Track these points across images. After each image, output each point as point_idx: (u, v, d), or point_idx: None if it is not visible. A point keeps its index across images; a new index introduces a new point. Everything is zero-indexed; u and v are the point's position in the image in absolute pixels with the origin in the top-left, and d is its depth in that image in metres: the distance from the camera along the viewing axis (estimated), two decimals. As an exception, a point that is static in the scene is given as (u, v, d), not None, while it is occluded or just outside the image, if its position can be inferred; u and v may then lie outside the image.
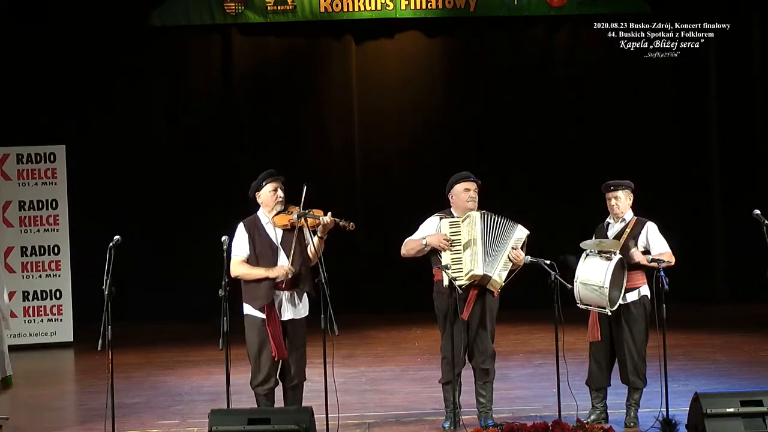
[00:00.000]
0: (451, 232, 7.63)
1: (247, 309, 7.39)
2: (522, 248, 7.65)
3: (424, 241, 7.66)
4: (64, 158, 12.43)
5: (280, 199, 7.37)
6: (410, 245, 7.75)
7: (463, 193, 7.72)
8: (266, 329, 7.26)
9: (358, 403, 8.73)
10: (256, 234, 7.36)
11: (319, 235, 7.32)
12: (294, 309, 7.38)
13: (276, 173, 7.44)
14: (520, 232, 7.66)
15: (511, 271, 7.62)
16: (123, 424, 8.05)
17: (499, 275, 7.55)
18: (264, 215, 7.42)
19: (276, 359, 7.28)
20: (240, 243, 7.38)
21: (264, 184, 7.40)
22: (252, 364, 7.39)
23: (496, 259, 7.55)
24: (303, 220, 7.27)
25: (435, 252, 7.67)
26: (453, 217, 7.72)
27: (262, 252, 7.34)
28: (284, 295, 7.35)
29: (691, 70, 14.19)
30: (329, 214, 7.31)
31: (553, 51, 14.40)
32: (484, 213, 7.65)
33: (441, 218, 7.74)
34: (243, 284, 7.39)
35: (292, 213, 7.34)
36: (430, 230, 7.73)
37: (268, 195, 7.38)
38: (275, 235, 7.38)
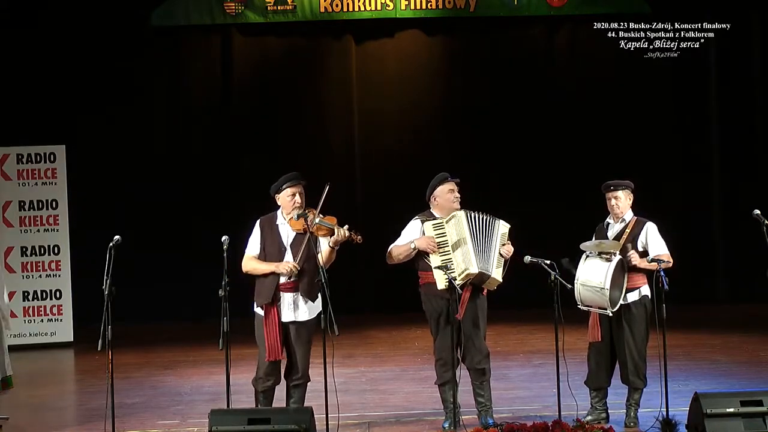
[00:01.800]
0: (436, 234, 7.61)
1: (256, 306, 7.47)
2: (508, 241, 7.67)
3: (411, 245, 7.64)
4: (64, 158, 12.43)
5: (298, 204, 7.41)
6: (396, 251, 7.72)
7: (449, 194, 7.72)
8: (263, 328, 7.30)
9: (358, 403, 8.73)
10: (269, 232, 7.44)
11: (330, 245, 7.35)
12: (295, 312, 7.40)
13: (298, 177, 7.47)
14: (504, 227, 7.69)
15: (504, 267, 7.64)
16: (123, 424, 8.05)
17: (496, 273, 7.56)
18: (281, 215, 7.48)
19: (266, 360, 7.30)
20: (253, 240, 7.48)
21: (284, 187, 7.43)
22: (258, 360, 7.44)
23: (490, 258, 7.55)
24: (315, 228, 7.28)
25: (422, 255, 7.66)
26: (435, 218, 7.70)
27: (270, 251, 7.41)
28: (286, 296, 7.36)
29: (691, 70, 14.19)
30: (345, 227, 7.33)
31: (553, 51, 14.40)
32: (467, 212, 7.65)
33: (423, 221, 7.71)
34: (255, 281, 7.46)
35: (308, 216, 7.32)
36: (414, 234, 7.71)
37: (286, 199, 7.43)
38: (287, 235, 7.43)
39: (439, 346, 7.66)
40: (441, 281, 7.49)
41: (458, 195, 7.74)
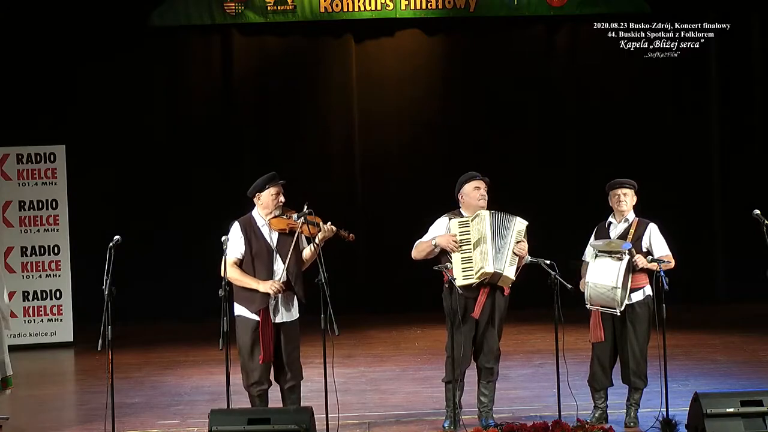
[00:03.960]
0: (460, 231, 7.63)
1: (240, 310, 7.38)
2: (524, 239, 7.67)
3: (433, 242, 7.67)
4: (64, 158, 12.42)
5: (281, 204, 7.38)
6: (420, 247, 7.76)
7: (474, 191, 7.73)
8: (259, 332, 7.26)
9: (358, 403, 8.73)
10: (252, 235, 7.34)
11: (316, 242, 7.33)
12: (288, 312, 7.38)
13: (278, 177, 7.43)
14: (520, 224, 7.67)
15: (518, 265, 7.64)
16: (123, 424, 8.05)
17: (509, 271, 7.57)
18: (260, 216, 7.40)
19: (261, 362, 7.28)
20: (235, 243, 7.34)
21: (267, 187, 7.37)
22: (245, 365, 7.38)
23: (503, 255, 7.56)
24: (303, 226, 7.27)
25: (445, 252, 7.68)
26: (462, 216, 7.72)
27: (258, 254, 7.33)
28: (279, 297, 7.34)
29: (691, 71, 14.19)
30: (329, 223, 7.31)
31: (553, 51, 14.40)
32: (492, 212, 7.66)
33: (450, 218, 7.74)
34: (236, 285, 7.37)
35: (291, 217, 7.33)
36: (440, 231, 7.73)
37: (269, 198, 7.36)
38: (270, 237, 7.37)
39: (450, 344, 7.67)
40: (460, 279, 7.50)
41: (484, 194, 7.73)
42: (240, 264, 7.34)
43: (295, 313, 7.42)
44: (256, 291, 7.27)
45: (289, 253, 7.28)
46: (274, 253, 7.33)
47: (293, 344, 7.40)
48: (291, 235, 7.32)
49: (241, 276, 7.30)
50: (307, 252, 7.39)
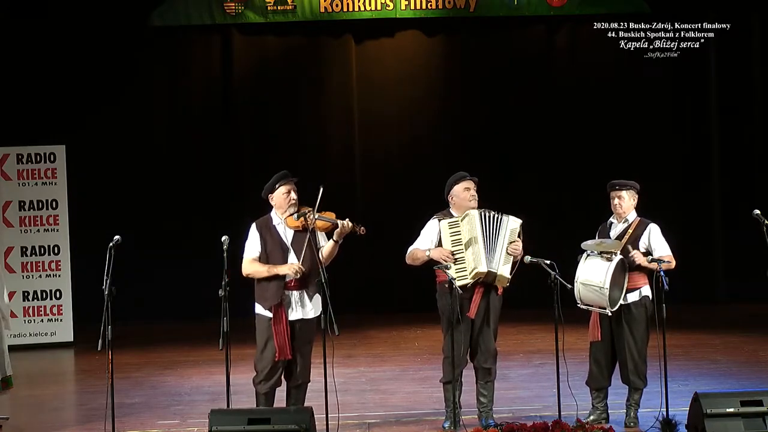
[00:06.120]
0: (451, 232, 7.64)
1: (258, 308, 7.45)
2: (519, 237, 7.65)
3: (427, 254, 7.67)
4: (64, 158, 12.43)
5: (293, 202, 7.43)
6: (415, 255, 7.75)
7: (464, 192, 7.73)
8: (272, 329, 7.29)
9: (358, 403, 8.73)
10: (267, 234, 7.42)
11: (335, 239, 7.37)
12: (302, 309, 7.41)
13: (289, 175, 7.48)
14: (513, 223, 7.66)
15: (513, 264, 7.63)
16: (123, 424, 8.05)
17: (503, 270, 7.56)
18: (276, 216, 7.47)
19: (277, 359, 7.30)
20: (252, 243, 7.43)
21: (277, 186, 7.44)
22: (256, 361, 7.43)
23: (496, 254, 7.56)
24: (315, 223, 7.29)
25: None
26: (452, 217, 7.72)
27: (272, 252, 7.39)
28: (293, 295, 7.37)
29: (691, 71, 14.20)
30: (347, 219, 7.33)
31: (553, 51, 14.41)
32: (482, 211, 7.66)
33: (440, 219, 7.74)
34: (255, 284, 7.44)
35: (305, 214, 7.34)
36: (432, 234, 7.73)
37: (282, 197, 7.42)
38: (286, 235, 7.43)
39: (447, 344, 7.67)
40: (458, 280, 7.50)
41: (474, 194, 7.73)
42: (257, 261, 7.42)
43: (310, 312, 7.44)
44: (270, 288, 7.33)
45: (303, 251, 7.31)
46: (289, 250, 7.39)
47: (306, 342, 7.44)
48: (306, 233, 7.35)
49: (259, 266, 7.37)
50: (326, 249, 7.41)
